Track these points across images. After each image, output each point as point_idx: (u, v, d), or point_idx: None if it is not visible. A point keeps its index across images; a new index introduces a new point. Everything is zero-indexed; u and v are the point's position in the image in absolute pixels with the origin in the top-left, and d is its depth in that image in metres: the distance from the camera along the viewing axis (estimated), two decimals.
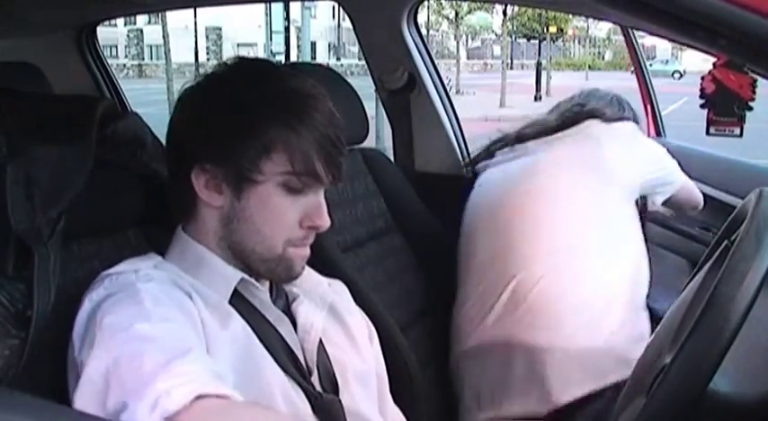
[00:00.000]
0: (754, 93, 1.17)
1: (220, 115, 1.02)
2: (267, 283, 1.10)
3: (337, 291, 1.21)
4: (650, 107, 2.55)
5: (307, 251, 1.07)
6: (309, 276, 1.15)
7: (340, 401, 1.10)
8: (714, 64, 1.15)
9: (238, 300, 1.04)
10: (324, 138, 1.01)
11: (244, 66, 1.09)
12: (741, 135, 1.20)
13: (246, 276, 1.05)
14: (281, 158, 1.00)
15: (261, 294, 1.07)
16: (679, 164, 1.87)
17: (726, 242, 1.02)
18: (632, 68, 2.65)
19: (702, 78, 1.19)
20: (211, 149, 1.01)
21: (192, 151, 1.03)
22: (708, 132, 1.22)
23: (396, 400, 1.29)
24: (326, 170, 1.02)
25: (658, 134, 2.56)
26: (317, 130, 1.01)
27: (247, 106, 1.01)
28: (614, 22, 1.60)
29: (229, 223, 1.03)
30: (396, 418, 1.26)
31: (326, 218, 1.05)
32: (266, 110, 1.01)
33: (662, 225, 2.25)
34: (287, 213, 1.03)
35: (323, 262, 1.27)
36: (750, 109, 1.18)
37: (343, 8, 2.06)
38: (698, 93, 1.21)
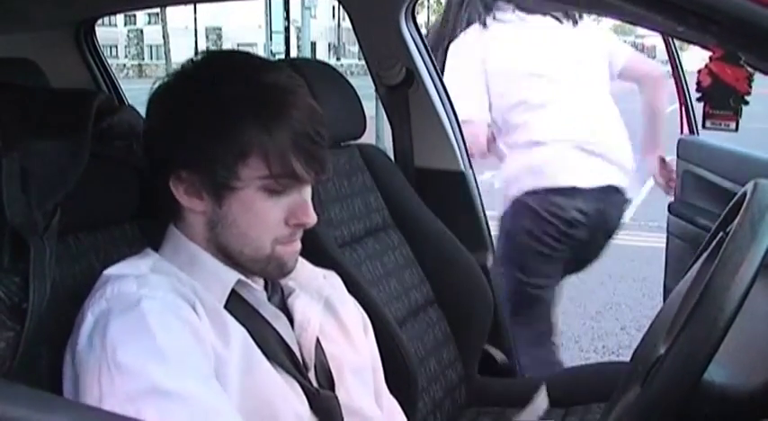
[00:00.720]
0: (750, 86, 1.16)
1: (192, 118, 0.98)
2: (262, 279, 1.10)
3: (332, 284, 1.21)
4: (685, 108, 2.58)
5: (297, 246, 1.05)
6: (304, 269, 1.14)
7: (336, 397, 1.10)
8: (710, 57, 1.15)
9: (234, 299, 1.03)
10: (301, 136, 0.98)
11: (215, 60, 1.05)
12: (737, 129, 1.19)
13: (243, 277, 1.04)
14: (257, 163, 0.97)
15: (257, 292, 1.06)
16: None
17: (721, 233, 1.03)
18: None
19: (699, 72, 1.18)
20: (186, 156, 0.98)
21: (167, 158, 1.00)
22: (704, 126, 1.22)
23: (394, 394, 1.29)
24: (306, 168, 0.99)
25: (692, 132, 2.60)
26: (294, 129, 0.97)
27: (220, 106, 0.97)
28: (610, 16, 1.60)
29: (214, 227, 1.02)
30: (392, 409, 1.26)
31: (312, 214, 1.02)
32: (241, 110, 0.96)
33: (688, 220, 2.26)
34: (270, 215, 1.00)
35: (320, 257, 1.27)
36: (746, 103, 1.17)
37: (341, 4, 2.06)
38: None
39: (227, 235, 1.01)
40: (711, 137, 2.31)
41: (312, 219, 1.03)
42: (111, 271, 1.00)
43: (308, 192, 1.03)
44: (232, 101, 0.97)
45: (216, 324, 0.98)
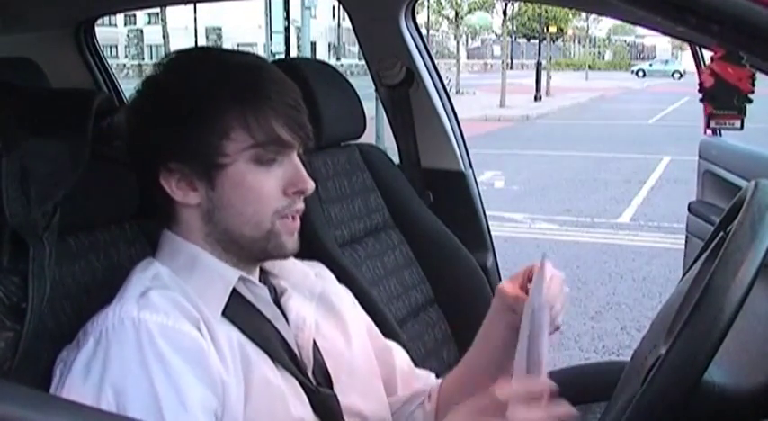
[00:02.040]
0: (753, 85, 1.16)
1: (172, 108, 1.00)
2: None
3: (323, 278, 1.21)
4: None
5: (296, 224, 1.05)
6: (295, 268, 1.14)
7: (335, 395, 1.10)
8: (712, 57, 1.15)
9: (236, 300, 1.03)
10: (279, 103, 1.00)
11: (182, 55, 1.07)
12: (742, 128, 1.20)
13: (244, 274, 1.04)
14: (240, 135, 0.99)
15: (259, 291, 1.06)
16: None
17: (721, 233, 1.03)
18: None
19: (700, 72, 1.18)
20: (171, 148, 1.00)
21: (154, 155, 1.01)
22: (708, 126, 1.22)
23: None
24: (291, 133, 1.01)
25: (714, 133, 2.60)
26: (271, 98, 1.00)
27: (197, 92, 0.99)
28: (610, 16, 1.60)
29: (212, 217, 1.02)
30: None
31: (309, 180, 1.03)
32: (217, 91, 0.99)
33: (706, 220, 2.25)
34: (265, 186, 1.01)
35: (320, 257, 1.27)
36: (750, 101, 1.18)
37: (341, 4, 2.06)
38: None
39: (225, 218, 1.01)
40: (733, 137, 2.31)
41: (310, 184, 1.03)
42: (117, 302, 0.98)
43: (297, 160, 1.04)
44: (207, 84, 1.00)
45: (216, 341, 0.97)
